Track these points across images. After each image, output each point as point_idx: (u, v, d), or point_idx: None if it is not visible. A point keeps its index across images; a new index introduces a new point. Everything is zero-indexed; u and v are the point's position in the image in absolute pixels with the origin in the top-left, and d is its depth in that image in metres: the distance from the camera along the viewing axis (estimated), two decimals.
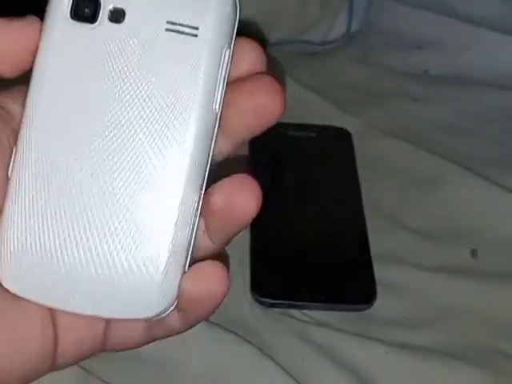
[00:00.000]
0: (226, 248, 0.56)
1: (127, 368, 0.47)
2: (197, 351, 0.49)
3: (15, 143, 0.26)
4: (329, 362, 0.50)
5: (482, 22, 0.76)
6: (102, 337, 0.27)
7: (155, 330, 0.28)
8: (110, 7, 0.26)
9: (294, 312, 0.53)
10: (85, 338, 0.27)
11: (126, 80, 0.26)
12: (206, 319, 0.28)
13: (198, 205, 0.26)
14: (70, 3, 0.26)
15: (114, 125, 0.26)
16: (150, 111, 0.26)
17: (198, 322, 0.28)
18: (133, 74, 0.26)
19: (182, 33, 0.26)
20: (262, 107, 0.26)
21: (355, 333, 0.52)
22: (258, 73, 0.26)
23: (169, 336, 0.29)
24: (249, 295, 0.53)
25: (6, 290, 0.26)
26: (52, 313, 0.26)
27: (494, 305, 0.54)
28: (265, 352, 0.49)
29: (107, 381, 0.45)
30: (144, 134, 0.26)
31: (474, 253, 0.57)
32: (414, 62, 0.75)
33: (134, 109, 0.26)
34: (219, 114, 0.26)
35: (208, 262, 0.26)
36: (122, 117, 0.26)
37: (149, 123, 0.26)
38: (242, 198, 0.26)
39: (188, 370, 0.48)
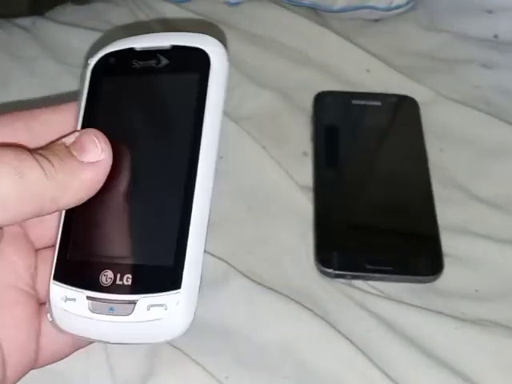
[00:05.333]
0: (288, 221, 0.55)
1: (197, 336, 0.47)
2: (265, 321, 0.49)
3: None
4: (393, 335, 0.49)
5: None
6: (33, 356, 0.30)
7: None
8: None
9: (359, 283, 0.52)
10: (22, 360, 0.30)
11: None
12: None
13: None
14: None
15: None
16: None
17: None
18: None
19: None
20: None
21: (422, 306, 0.50)
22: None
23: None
24: (313, 266, 0.52)
25: None
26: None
27: None
28: (330, 323, 0.49)
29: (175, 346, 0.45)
30: None
31: None
32: (484, 27, 0.72)
33: None
34: None
35: None
36: None
37: None
38: None
39: (256, 339, 0.48)
